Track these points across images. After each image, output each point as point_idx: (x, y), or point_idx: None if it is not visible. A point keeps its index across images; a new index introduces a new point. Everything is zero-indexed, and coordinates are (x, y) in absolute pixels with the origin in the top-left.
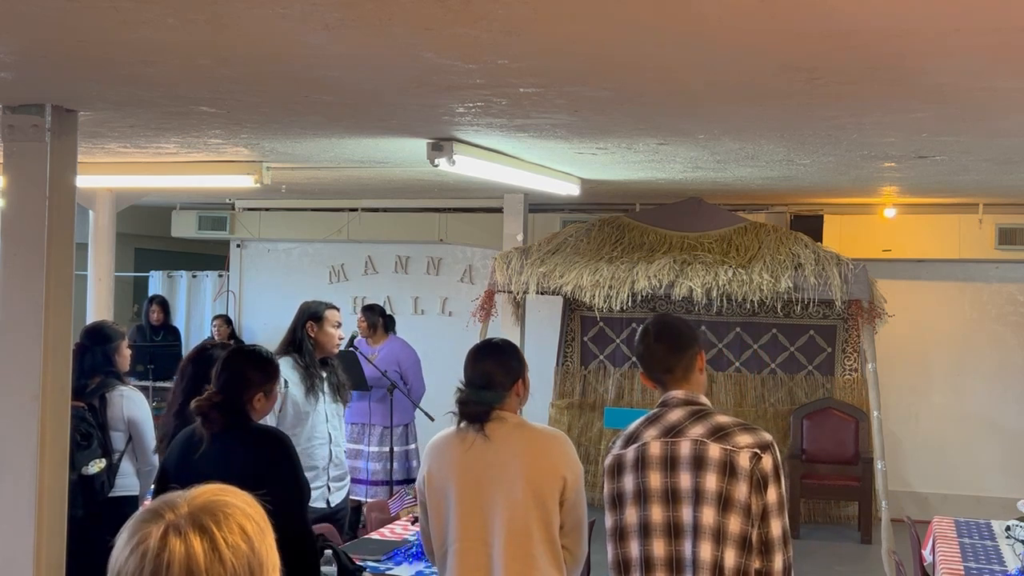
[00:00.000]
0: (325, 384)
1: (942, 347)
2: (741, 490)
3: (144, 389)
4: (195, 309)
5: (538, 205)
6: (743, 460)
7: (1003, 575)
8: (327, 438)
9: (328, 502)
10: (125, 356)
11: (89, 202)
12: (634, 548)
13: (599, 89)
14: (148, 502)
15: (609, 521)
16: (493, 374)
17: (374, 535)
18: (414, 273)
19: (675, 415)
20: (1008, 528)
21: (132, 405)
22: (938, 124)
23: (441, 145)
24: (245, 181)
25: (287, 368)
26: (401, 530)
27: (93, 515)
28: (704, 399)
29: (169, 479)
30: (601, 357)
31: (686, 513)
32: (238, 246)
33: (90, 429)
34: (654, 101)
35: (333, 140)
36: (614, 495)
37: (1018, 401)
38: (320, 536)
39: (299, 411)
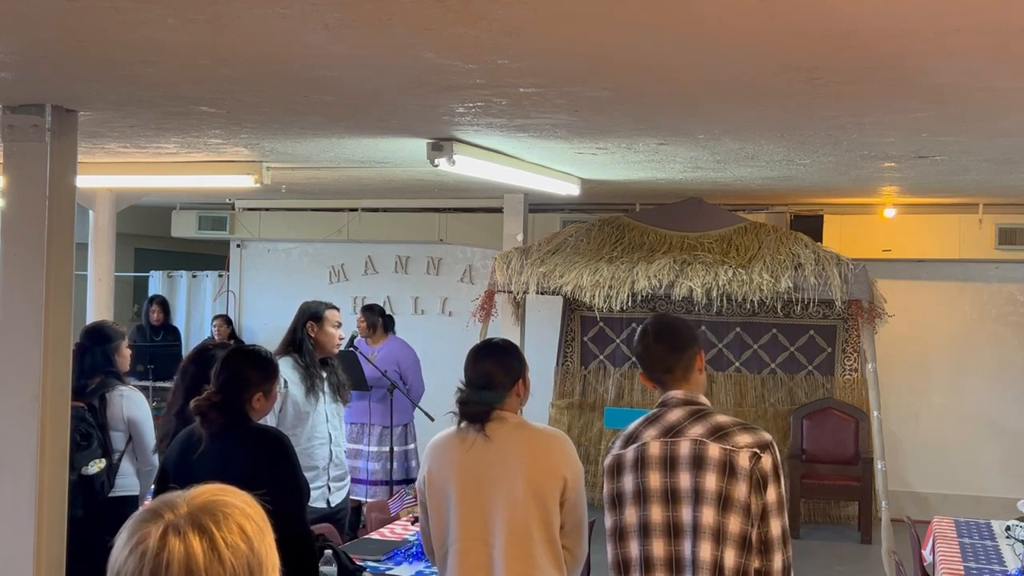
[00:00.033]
0: (325, 384)
1: (942, 347)
2: (741, 490)
3: (144, 389)
4: (195, 309)
5: (538, 205)
6: (743, 460)
7: (1003, 575)
8: (327, 438)
9: (328, 502)
10: (125, 356)
11: (89, 202)
12: (634, 548)
13: (599, 89)
14: (148, 502)
15: (609, 521)
16: (493, 374)
17: (374, 535)
18: (414, 273)
19: (674, 415)
20: (1008, 528)
21: (132, 405)
22: (938, 124)
23: (441, 145)
24: (245, 181)
25: (287, 368)
26: (401, 530)
27: (93, 515)
28: (703, 399)
29: (169, 479)
30: (601, 357)
31: (686, 513)
32: (238, 246)
33: (90, 429)
34: (654, 101)
35: (333, 140)
36: (613, 495)
37: (1018, 401)
38: (320, 536)
39: (299, 411)
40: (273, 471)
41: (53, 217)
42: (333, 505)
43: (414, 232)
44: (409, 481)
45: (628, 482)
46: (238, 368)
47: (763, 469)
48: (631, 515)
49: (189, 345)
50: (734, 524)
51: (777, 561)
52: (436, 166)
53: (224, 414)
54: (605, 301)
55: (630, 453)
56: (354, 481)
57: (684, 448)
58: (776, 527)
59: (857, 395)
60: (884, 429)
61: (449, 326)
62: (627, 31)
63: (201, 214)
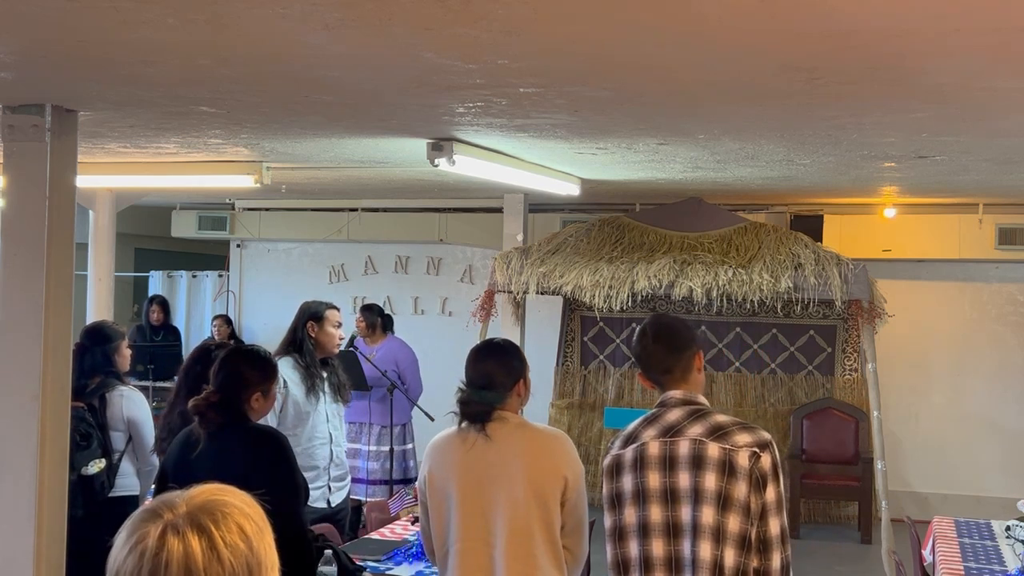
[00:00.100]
0: (326, 384)
1: (942, 347)
2: (740, 489)
3: (144, 389)
4: (195, 309)
5: (538, 205)
6: (742, 459)
7: (1003, 575)
8: (328, 438)
9: (329, 502)
10: (125, 356)
11: (89, 202)
12: (633, 548)
13: (599, 89)
14: (148, 502)
15: (608, 521)
16: (494, 374)
17: (374, 535)
18: (414, 273)
19: (674, 415)
20: (1008, 528)
21: (132, 405)
22: (938, 124)
23: (441, 145)
24: (245, 181)
25: (288, 368)
26: (401, 530)
27: (93, 515)
28: (702, 399)
29: (168, 479)
30: (601, 357)
31: (685, 513)
32: (238, 246)
33: (90, 429)
34: (654, 101)
35: (333, 140)
36: (613, 495)
37: (1018, 401)
38: (320, 536)
39: (300, 411)
40: (272, 471)
41: (53, 217)
42: (333, 505)
43: (414, 232)
44: (407, 481)
45: (627, 482)
46: (236, 368)
47: (762, 468)
48: (630, 515)
49: (189, 345)
50: (733, 523)
51: (776, 560)
52: (436, 166)
53: (222, 414)
54: (605, 301)
55: (629, 453)
56: (353, 480)
57: (683, 448)
58: (775, 526)
59: (857, 395)
60: (884, 429)
61: (449, 326)
62: (627, 31)
63: (201, 214)
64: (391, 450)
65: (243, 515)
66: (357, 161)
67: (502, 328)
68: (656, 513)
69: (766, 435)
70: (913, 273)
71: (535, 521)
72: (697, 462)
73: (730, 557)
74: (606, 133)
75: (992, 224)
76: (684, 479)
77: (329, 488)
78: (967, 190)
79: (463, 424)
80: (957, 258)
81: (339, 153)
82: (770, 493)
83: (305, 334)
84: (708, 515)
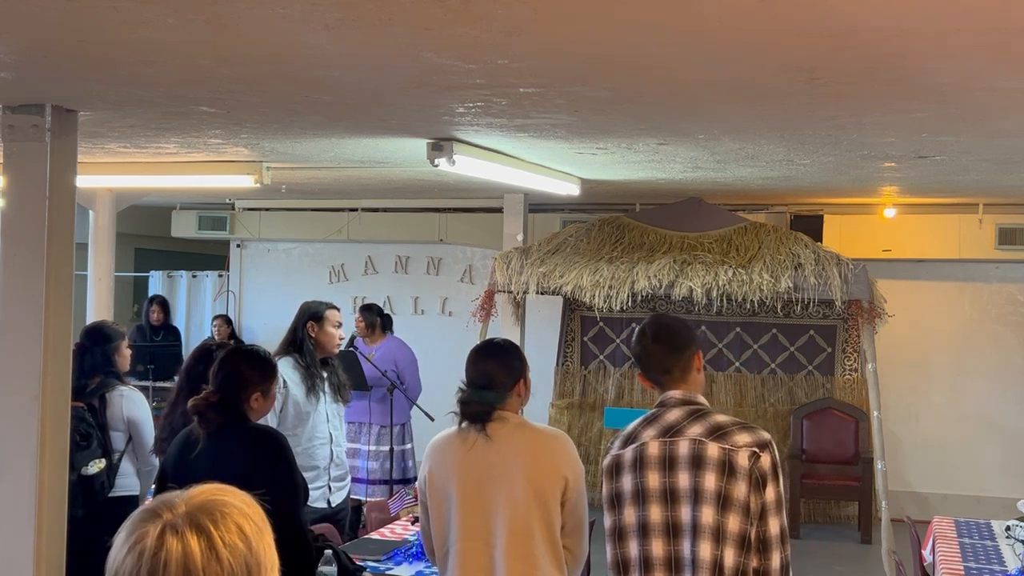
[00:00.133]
0: (326, 384)
1: (942, 347)
2: (740, 489)
3: (144, 389)
4: (195, 309)
5: (538, 205)
6: (742, 459)
7: (1003, 575)
8: (328, 438)
9: (329, 502)
10: (125, 356)
11: (89, 202)
12: (633, 548)
13: (599, 89)
14: (148, 502)
15: (608, 521)
16: (495, 374)
17: (374, 535)
18: (414, 273)
19: (673, 415)
20: (1008, 528)
21: (132, 405)
22: (938, 124)
23: (441, 145)
24: (245, 181)
25: (288, 368)
26: (401, 530)
27: (93, 515)
28: (702, 399)
29: (168, 479)
30: (601, 357)
31: (685, 513)
32: (238, 246)
33: (90, 429)
34: (654, 101)
35: (333, 140)
36: (612, 495)
37: (1018, 401)
38: (320, 536)
39: (300, 411)
40: (271, 471)
41: (53, 217)
42: (334, 505)
43: (414, 232)
44: (406, 481)
45: (627, 482)
46: (236, 368)
47: (762, 468)
48: (630, 515)
49: (189, 345)
50: (733, 523)
51: (775, 560)
52: (436, 166)
53: (222, 414)
54: (605, 301)
55: (629, 453)
56: (353, 480)
57: (683, 448)
58: (775, 526)
59: (857, 395)
60: (884, 429)
61: (449, 326)
62: (627, 31)
63: (201, 214)
64: (391, 450)
65: (242, 515)
66: (357, 161)
67: (502, 328)
68: (656, 513)
69: (766, 435)
70: (913, 273)
71: (535, 521)
72: (697, 462)
73: (730, 557)
74: (606, 133)
75: (992, 224)
76: (684, 479)
77: (329, 488)
78: (967, 190)
79: (463, 424)
80: (957, 258)
81: (339, 153)
82: (770, 493)
83: (305, 334)
84: (708, 515)
